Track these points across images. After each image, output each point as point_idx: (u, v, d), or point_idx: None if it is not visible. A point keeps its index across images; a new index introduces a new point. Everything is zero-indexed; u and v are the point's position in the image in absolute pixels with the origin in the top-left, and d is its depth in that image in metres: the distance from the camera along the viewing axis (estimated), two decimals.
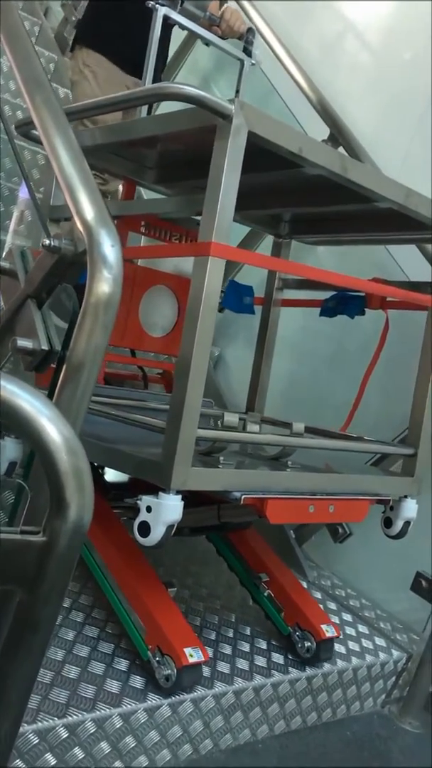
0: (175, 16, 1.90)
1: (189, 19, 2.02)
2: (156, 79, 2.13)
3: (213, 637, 1.83)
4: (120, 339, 1.90)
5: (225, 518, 1.77)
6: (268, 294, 2.15)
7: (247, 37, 2.11)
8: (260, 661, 1.78)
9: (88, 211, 1.00)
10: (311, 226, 2.07)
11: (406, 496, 1.73)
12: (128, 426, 1.49)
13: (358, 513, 1.59)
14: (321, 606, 2.03)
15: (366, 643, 2.08)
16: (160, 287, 1.97)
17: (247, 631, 1.91)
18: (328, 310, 2.04)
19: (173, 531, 1.28)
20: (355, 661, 1.94)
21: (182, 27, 1.98)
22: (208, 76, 3.41)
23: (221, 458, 1.39)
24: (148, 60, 1.78)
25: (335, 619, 2.13)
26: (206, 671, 1.62)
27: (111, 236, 0.97)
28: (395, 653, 2.08)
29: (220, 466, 1.37)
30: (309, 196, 1.72)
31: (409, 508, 1.74)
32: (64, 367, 0.96)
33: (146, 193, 2.16)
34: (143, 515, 1.28)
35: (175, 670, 1.47)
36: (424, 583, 2.06)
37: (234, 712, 1.66)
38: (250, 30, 2.14)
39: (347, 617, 2.20)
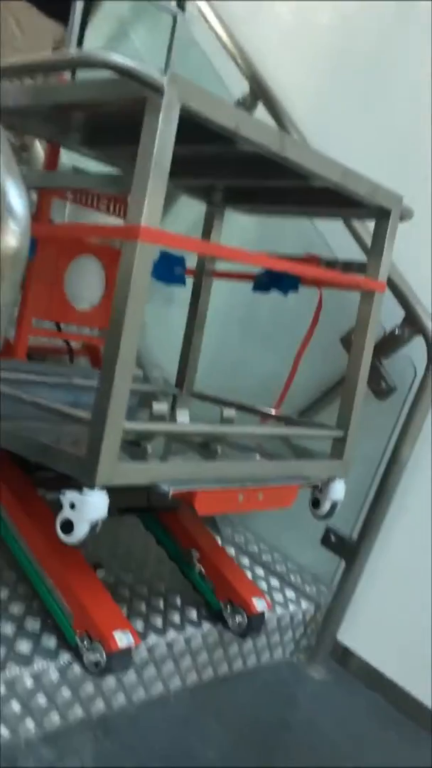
0: None
1: None
2: (82, 28, 1.99)
3: (127, 594, 1.84)
4: (45, 312, 1.80)
5: (154, 501, 1.73)
6: (199, 265, 2.08)
7: None
8: (174, 616, 1.80)
9: None
10: (246, 196, 2.00)
11: (334, 478, 1.74)
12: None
13: (287, 498, 1.58)
14: (236, 562, 2.08)
15: (277, 596, 2.14)
16: (86, 257, 1.87)
17: (162, 588, 1.93)
18: (261, 285, 1.99)
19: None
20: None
21: None
22: (126, 22, 3.20)
23: (149, 448, 1.34)
24: (74, 15, 1.64)
25: (248, 574, 2.18)
26: None
27: (18, 186, 0.90)
28: (304, 604, 2.14)
29: (147, 457, 1.32)
30: (244, 169, 1.65)
31: (337, 490, 1.74)
32: None
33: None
34: (66, 512, 1.23)
35: (105, 656, 1.43)
36: (333, 537, 2.13)
37: (146, 667, 1.67)
38: None
39: (259, 571, 2.26)
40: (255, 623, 1.81)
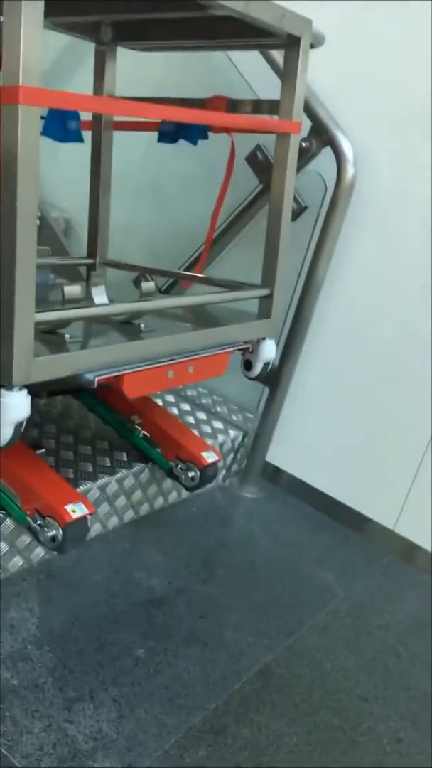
0: None
1: None
2: None
3: (53, 445, 1.85)
4: None
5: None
6: (96, 117, 1.87)
7: None
8: (104, 461, 1.83)
9: None
10: (139, 31, 1.76)
11: (264, 338, 1.69)
12: None
13: (219, 367, 1.54)
14: (160, 402, 2.11)
15: (205, 427, 2.20)
16: None
17: (88, 435, 1.94)
18: (167, 135, 1.81)
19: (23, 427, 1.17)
20: None
21: None
22: None
23: (67, 336, 1.25)
24: None
25: (174, 411, 2.23)
26: None
27: None
28: (232, 433, 2.23)
29: (67, 346, 1.23)
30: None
31: (269, 350, 1.70)
32: None
33: None
34: None
35: (60, 530, 1.42)
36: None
37: None
38: None
39: (185, 407, 2.31)
40: (208, 475, 1.82)
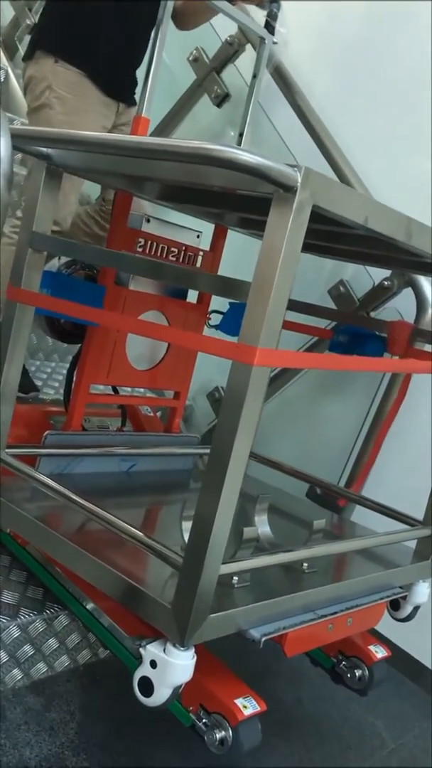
0: None
1: None
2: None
3: None
4: (104, 377, 1.61)
5: None
6: None
7: (270, 9, 1.74)
8: None
9: None
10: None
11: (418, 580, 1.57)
12: None
13: (374, 617, 1.41)
14: None
15: None
16: (150, 313, 1.67)
17: None
18: (339, 345, 1.80)
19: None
20: None
21: None
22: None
23: (235, 579, 1.16)
24: (150, 76, 1.42)
25: None
26: None
27: None
28: None
29: (235, 593, 1.14)
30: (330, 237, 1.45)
31: (422, 593, 1.57)
32: None
33: None
34: (145, 669, 1.05)
35: (231, 730, 1.17)
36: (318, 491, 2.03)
37: None
38: (274, 1, 1.76)
39: None
40: (377, 674, 1.54)
